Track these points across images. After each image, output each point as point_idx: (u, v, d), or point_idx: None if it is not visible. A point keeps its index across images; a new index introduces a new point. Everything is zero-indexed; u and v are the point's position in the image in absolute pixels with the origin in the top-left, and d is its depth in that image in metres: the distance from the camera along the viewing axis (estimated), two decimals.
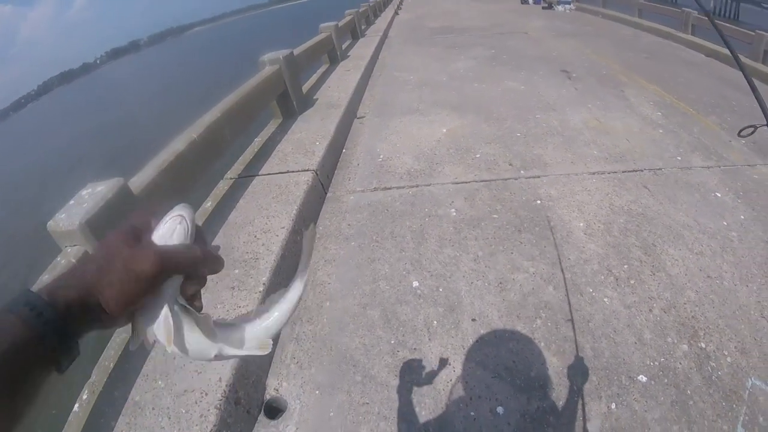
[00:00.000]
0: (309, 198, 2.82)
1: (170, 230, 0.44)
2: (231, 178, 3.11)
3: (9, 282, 8.68)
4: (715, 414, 1.55)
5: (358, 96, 5.32)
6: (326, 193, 3.20)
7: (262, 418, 1.65)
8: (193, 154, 2.53)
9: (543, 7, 14.55)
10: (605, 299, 2.06)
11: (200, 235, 0.47)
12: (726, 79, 5.55)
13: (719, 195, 2.87)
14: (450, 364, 1.79)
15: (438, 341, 1.90)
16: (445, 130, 4.17)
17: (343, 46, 7.67)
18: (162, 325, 0.42)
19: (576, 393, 1.64)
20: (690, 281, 2.14)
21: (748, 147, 3.53)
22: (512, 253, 2.42)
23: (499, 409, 1.60)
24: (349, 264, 2.44)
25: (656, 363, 1.74)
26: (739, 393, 1.61)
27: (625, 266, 2.27)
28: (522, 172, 3.29)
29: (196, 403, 1.49)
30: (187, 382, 1.56)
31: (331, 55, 6.77)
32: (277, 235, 2.35)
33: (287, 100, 4.23)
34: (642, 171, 3.21)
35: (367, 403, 1.66)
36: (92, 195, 1.75)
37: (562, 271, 2.25)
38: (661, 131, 3.89)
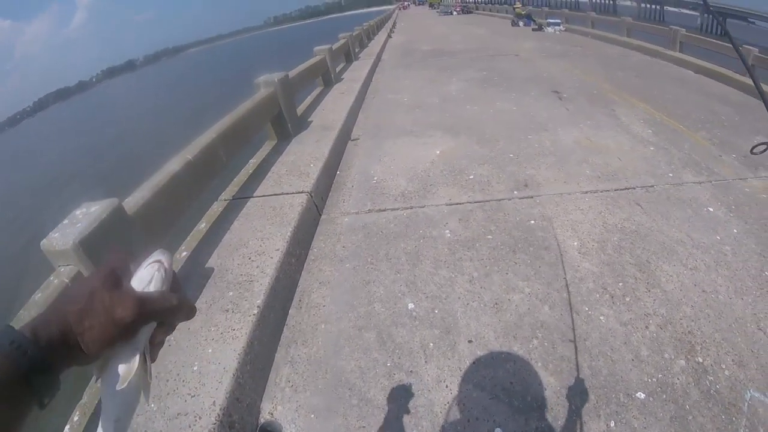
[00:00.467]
0: (303, 220, 2.82)
1: (149, 276, 0.45)
2: (225, 200, 3.11)
3: None
4: (714, 428, 1.53)
5: (352, 118, 5.39)
6: (321, 215, 3.20)
7: None
8: (188, 175, 2.54)
9: (533, 29, 14.98)
10: (601, 317, 2.05)
11: (176, 281, 0.49)
12: (714, 94, 5.67)
13: (711, 210, 2.90)
14: (447, 386, 1.77)
15: (434, 363, 1.88)
16: (438, 152, 4.21)
17: (337, 69, 7.81)
18: (128, 367, 0.42)
19: (574, 412, 1.62)
20: (685, 296, 2.15)
21: (738, 161, 3.59)
22: (507, 273, 2.41)
23: (498, 431, 1.58)
24: (344, 286, 2.43)
25: (654, 379, 1.73)
26: (738, 405, 1.60)
27: (620, 284, 2.27)
28: (515, 192, 3.31)
29: (189, 426, 1.46)
30: (180, 405, 1.53)
31: (326, 77, 6.89)
32: (272, 257, 2.34)
33: (282, 122, 4.28)
34: (634, 188, 3.24)
35: (364, 427, 1.63)
36: (86, 215, 1.75)
37: (558, 290, 2.25)
38: (652, 148, 3.95)
